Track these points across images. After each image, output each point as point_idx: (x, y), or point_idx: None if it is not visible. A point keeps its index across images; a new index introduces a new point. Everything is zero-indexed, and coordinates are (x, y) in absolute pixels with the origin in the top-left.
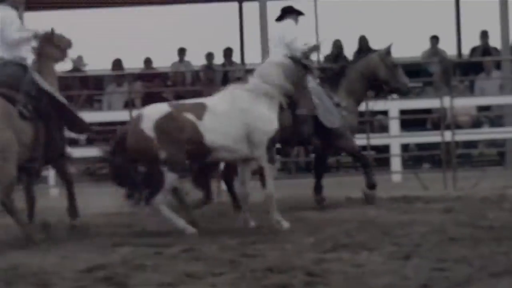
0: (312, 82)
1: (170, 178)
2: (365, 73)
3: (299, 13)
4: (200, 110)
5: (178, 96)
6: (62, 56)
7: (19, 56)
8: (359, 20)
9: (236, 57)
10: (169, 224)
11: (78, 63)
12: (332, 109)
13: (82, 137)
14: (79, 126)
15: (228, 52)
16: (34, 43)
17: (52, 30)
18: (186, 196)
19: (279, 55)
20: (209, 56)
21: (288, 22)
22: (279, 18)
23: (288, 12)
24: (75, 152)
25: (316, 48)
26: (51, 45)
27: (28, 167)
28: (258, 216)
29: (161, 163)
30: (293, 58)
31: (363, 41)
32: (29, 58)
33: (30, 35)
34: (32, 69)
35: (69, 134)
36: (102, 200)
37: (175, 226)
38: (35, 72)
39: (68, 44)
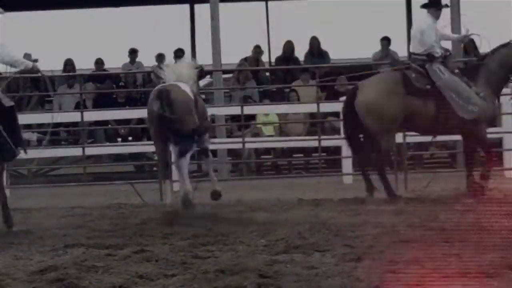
0: (447, 73)
1: None
2: (505, 63)
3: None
4: None
5: (130, 97)
6: None
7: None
8: (310, 21)
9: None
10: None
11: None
12: (472, 98)
13: (34, 137)
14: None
15: (179, 53)
16: None
17: None
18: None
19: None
20: (160, 57)
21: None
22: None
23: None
24: (30, 153)
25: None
26: None
27: None
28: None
29: None
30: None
31: (314, 41)
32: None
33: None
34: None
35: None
36: (54, 201)
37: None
38: None
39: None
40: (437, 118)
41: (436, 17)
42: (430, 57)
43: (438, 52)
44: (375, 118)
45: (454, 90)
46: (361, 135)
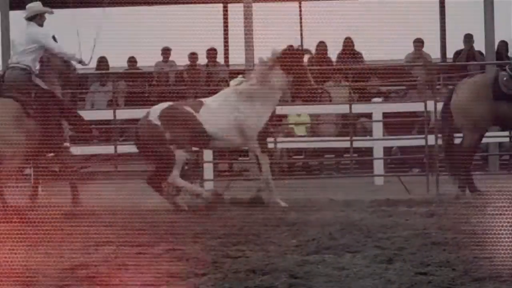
0: None
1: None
2: None
3: None
4: None
5: (162, 96)
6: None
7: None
8: (344, 22)
9: (220, 58)
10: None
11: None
12: None
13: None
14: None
15: (212, 53)
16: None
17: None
18: None
19: None
20: (193, 56)
21: None
22: None
23: None
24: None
25: None
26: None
27: None
28: (242, 217)
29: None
30: None
31: (348, 42)
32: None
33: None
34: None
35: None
36: (85, 198)
37: (193, 191)
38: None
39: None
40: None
41: None
42: None
43: None
44: (463, 120)
45: None
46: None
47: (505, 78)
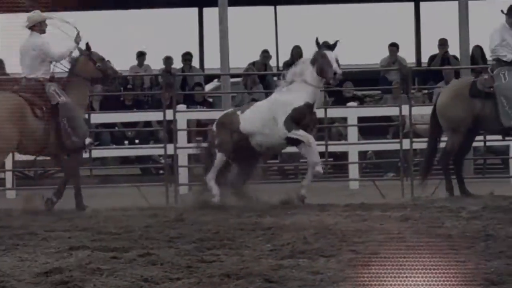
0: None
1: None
2: None
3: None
4: None
5: (137, 100)
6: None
7: (38, 74)
8: (318, 27)
9: (195, 62)
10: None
11: None
12: None
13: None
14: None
15: (187, 57)
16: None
17: (88, 46)
18: None
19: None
20: (168, 60)
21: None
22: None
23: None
24: None
25: None
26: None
27: None
28: (216, 221)
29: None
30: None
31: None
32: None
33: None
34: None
35: None
36: (59, 203)
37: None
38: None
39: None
40: (489, 120)
41: (509, 23)
42: (497, 61)
43: (505, 56)
44: (445, 120)
45: (505, 95)
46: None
47: (485, 77)
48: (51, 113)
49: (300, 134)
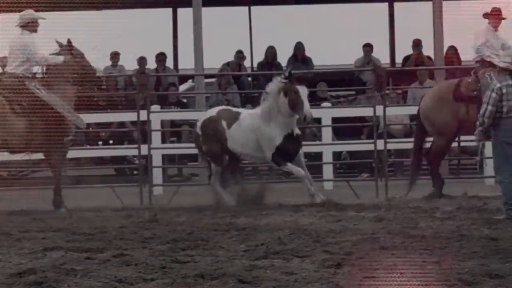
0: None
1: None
2: None
3: None
4: None
5: (111, 101)
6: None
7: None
8: (293, 27)
9: (169, 63)
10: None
11: None
12: None
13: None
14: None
15: (161, 57)
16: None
17: (69, 42)
18: None
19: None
20: (142, 60)
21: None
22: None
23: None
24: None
25: None
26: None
27: None
28: (191, 222)
29: None
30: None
31: (299, 47)
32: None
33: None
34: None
35: None
36: (34, 204)
37: (221, 199)
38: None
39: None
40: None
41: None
42: (481, 62)
43: (488, 56)
44: (429, 124)
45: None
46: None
47: (468, 80)
48: (33, 109)
49: (288, 168)
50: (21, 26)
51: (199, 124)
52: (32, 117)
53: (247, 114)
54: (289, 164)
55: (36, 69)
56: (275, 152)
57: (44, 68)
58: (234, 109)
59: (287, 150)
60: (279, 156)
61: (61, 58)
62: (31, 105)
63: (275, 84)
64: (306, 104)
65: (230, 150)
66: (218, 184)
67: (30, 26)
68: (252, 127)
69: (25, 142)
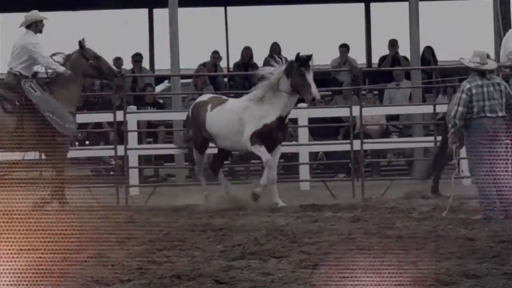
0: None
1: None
2: None
3: None
4: None
5: (87, 101)
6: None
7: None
8: (269, 28)
9: (145, 63)
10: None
11: None
12: None
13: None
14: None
15: (137, 58)
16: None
17: (81, 43)
18: None
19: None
20: (118, 61)
21: None
22: None
23: None
24: None
25: None
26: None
27: None
28: (167, 223)
29: None
30: None
31: (275, 47)
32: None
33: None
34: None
35: None
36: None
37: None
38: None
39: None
40: None
41: None
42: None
43: None
44: None
45: None
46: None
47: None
48: (26, 108)
49: (261, 151)
50: (26, 27)
51: (192, 105)
52: (21, 117)
53: (236, 100)
54: (263, 147)
55: (38, 68)
56: (258, 130)
57: (49, 70)
58: (226, 97)
59: (270, 134)
60: (259, 136)
61: (64, 70)
62: (21, 105)
63: (277, 68)
64: (313, 86)
65: (207, 132)
66: (202, 175)
67: (33, 26)
68: (238, 108)
69: (14, 141)
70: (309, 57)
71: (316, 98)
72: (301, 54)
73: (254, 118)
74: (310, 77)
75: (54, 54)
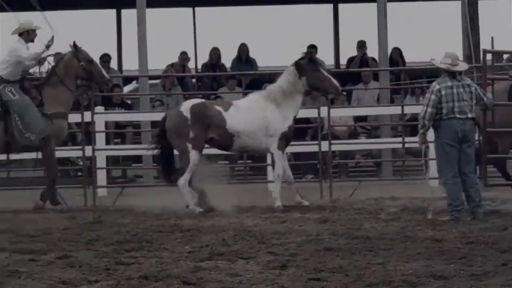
0: None
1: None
2: None
3: None
4: None
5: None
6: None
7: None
8: (237, 28)
9: (113, 64)
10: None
11: None
12: None
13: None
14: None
15: (105, 58)
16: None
17: (75, 44)
18: None
19: None
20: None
21: None
22: None
23: None
24: None
25: None
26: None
27: None
28: (135, 224)
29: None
30: None
31: (243, 48)
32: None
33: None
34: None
35: None
36: None
37: (188, 204)
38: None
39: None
40: None
41: None
42: None
43: None
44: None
45: None
46: None
47: None
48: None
49: (279, 159)
50: (19, 34)
51: (188, 109)
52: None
53: (247, 99)
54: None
55: (28, 66)
56: (285, 132)
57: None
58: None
59: (290, 136)
60: (282, 139)
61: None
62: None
63: (288, 68)
64: (332, 78)
65: (226, 131)
66: (186, 186)
67: (25, 35)
68: (259, 108)
69: None
70: (312, 53)
71: (339, 89)
72: (301, 52)
73: (277, 119)
74: (324, 69)
75: (48, 56)
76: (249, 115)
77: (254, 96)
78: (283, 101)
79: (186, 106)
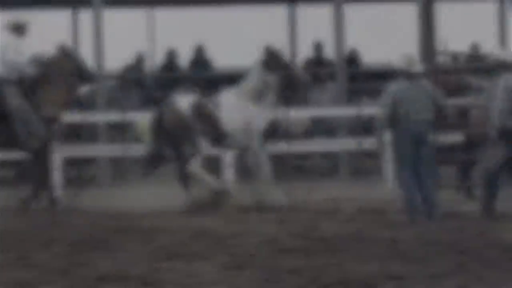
0: None
1: None
2: None
3: None
4: None
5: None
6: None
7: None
8: (195, 30)
9: None
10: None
11: None
12: None
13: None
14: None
15: None
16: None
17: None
18: None
19: None
20: None
21: None
22: None
23: None
24: None
25: None
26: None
27: None
28: (91, 224)
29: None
30: None
31: (199, 50)
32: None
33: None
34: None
35: None
36: None
37: (210, 185)
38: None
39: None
40: None
41: None
42: None
43: None
44: None
45: None
46: None
47: None
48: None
49: (265, 160)
50: (9, 30)
51: (189, 107)
52: None
53: (226, 96)
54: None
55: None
56: (267, 129)
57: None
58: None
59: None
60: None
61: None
62: None
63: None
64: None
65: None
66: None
67: (16, 30)
68: (238, 104)
69: None
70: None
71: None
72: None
73: (259, 117)
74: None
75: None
76: (236, 112)
77: (232, 94)
78: (258, 98)
79: (184, 102)
